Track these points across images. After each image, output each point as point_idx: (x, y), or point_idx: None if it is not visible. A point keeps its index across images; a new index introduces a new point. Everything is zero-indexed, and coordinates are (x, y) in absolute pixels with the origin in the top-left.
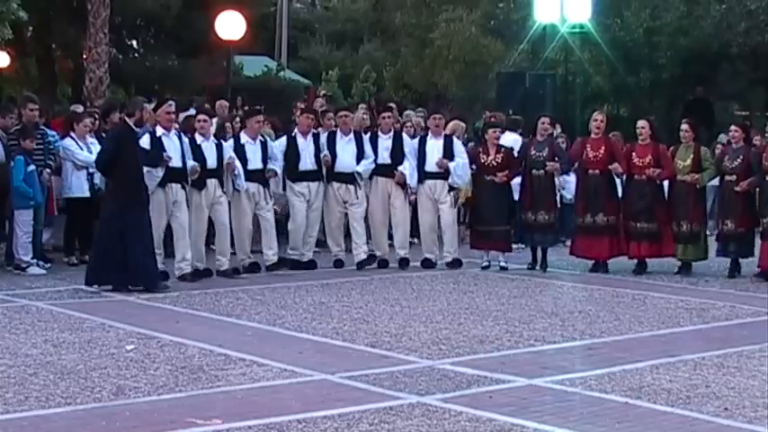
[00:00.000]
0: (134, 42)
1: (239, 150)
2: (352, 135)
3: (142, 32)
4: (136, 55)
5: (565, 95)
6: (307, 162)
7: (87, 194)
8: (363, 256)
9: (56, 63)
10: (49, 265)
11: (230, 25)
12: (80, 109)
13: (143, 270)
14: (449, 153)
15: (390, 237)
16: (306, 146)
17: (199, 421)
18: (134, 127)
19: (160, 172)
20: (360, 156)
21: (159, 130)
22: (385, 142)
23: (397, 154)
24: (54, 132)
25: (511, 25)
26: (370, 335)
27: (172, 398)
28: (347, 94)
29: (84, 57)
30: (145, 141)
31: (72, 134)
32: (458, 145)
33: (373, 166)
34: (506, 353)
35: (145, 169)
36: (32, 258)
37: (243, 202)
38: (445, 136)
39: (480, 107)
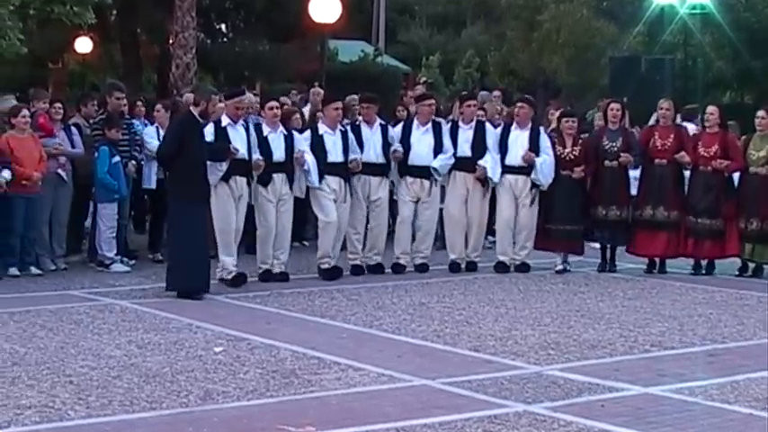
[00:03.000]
0: (223, 26)
1: (317, 142)
2: (429, 125)
3: (231, 16)
4: (225, 39)
5: (684, 81)
6: (370, 154)
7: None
8: (420, 261)
9: (141, 49)
10: (133, 261)
11: (325, 8)
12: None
13: (184, 272)
14: (534, 146)
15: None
16: (370, 137)
17: (290, 428)
18: (199, 118)
19: (224, 165)
20: (437, 149)
21: (225, 120)
22: (465, 133)
23: (479, 146)
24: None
25: (625, 6)
26: (473, 338)
27: (262, 403)
28: (449, 81)
29: (171, 42)
30: (209, 132)
31: (156, 123)
32: (544, 138)
33: (452, 161)
34: (620, 359)
35: (208, 162)
36: (116, 255)
37: (323, 197)
38: (531, 127)
39: (595, 95)
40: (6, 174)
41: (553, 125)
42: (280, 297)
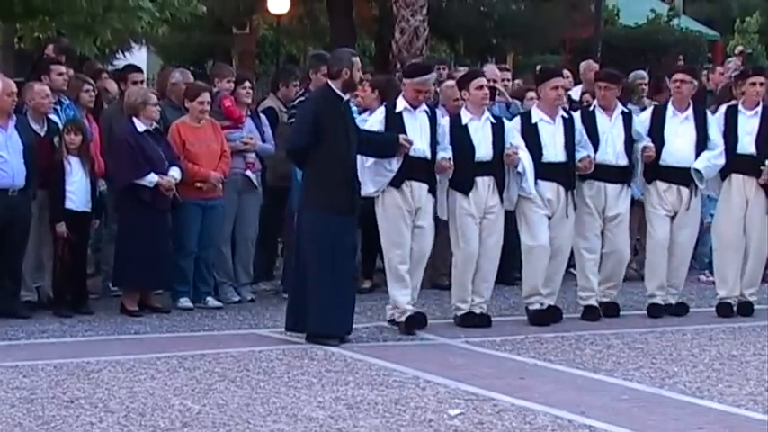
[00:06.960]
0: None
1: (530, 131)
2: (690, 112)
3: None
4: None
5: None
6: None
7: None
8: (666, 300)
9: (354, 8)
10: None
11: None
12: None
13: (337, 309)
14: None
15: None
16: (608, 129)
17: None
18: (341, 94)
19: (394, 164)
20: (700, 144)
21: (401, 104)
22: (749, 122)
23: (766, 140)
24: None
25: None
26: None
27: None
28: None
29: (394, 0)
30: (377, 119)
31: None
32: None
33: (722, 161)
34: None
35: (371, 160)
36: None
37: (531, 209)
38: None
39: None
40: (176, 173)
41: None
42: (537, 343)
